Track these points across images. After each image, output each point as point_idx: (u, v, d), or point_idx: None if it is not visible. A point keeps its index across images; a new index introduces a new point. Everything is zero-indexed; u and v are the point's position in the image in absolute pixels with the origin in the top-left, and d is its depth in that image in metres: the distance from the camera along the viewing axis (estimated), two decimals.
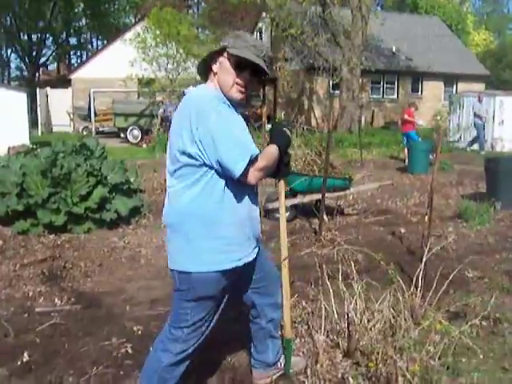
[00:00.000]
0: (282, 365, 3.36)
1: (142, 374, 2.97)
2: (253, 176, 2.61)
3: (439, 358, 3.40)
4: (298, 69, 27.79)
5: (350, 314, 3.62)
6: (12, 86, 35.93)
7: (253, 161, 2.56)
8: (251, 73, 2.75)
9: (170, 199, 2.76)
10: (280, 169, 2.87)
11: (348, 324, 3.57)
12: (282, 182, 3.12)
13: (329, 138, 6.98)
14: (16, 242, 6.77)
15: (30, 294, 5.03)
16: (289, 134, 2.91)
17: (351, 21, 23.41)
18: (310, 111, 27.73)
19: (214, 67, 2.76)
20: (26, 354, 3.76)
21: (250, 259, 2.87)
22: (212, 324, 2.90)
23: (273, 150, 2.77)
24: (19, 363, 3.67)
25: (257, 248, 2.95)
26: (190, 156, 2.59)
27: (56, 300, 4.87)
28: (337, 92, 25.68)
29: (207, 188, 2.63)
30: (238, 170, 2.52)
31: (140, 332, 4.13)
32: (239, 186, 2.69)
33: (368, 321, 3.70)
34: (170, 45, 21.62)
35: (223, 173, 2.59)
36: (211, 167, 2.59)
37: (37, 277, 5.50)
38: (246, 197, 2.78)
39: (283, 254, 3.25)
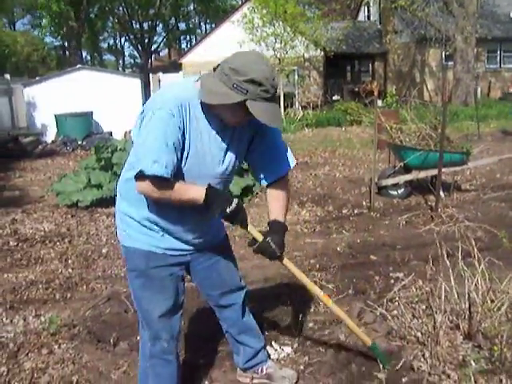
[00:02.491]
0: (265, 371, 3.19)
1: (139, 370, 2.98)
2: (139, 186, 2.41)
3: None
4: (408, 41, 26.91)
5: (471, 295, 3.45)
6: (126, 72, 37.30)
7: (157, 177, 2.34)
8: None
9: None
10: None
11: (469, 305, 3.40)
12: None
13: (444, 111, 6.68)
14: None
15: None
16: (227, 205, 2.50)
17: None
18: (422, 84, 26.76)
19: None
20: None
21: (176, 254, 2.71)
22: (161, 309, 2.72)
23: (190, 195, 2.47)
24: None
25: (192, 254, 2.79)
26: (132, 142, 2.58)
27: None
28: (450, 63, 24.61)
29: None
30: (134, 172, 2.39)
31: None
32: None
33: (491, 301, 3.50)
34: (276, 24, 21.52)
35: None
36: None
37: None
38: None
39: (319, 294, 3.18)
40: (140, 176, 2.35)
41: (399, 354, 3.33)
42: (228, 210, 2.48)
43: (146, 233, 2.64)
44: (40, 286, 4.96)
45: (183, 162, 2.48)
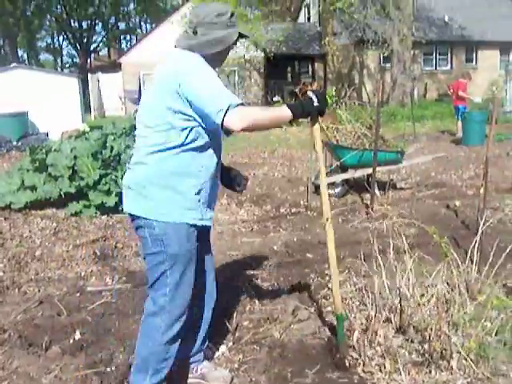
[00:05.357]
0: (200, 371, 3.20)
1: (136, 361, 2.90)
2: (236, 121, 2.51)
3: (496, 334, 3.29)
4: (347, 43, 27.32)
5: (401, 289, 3.53)
6: (64, 72, 36.56)
7: (239, 108, 2.52)
8: None
9: (143, 153, 2.74)
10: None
11: (400, 299, 3.48)
12: (316, 128, 3.03)
13: (377, 110, 6.82)
14: (69, 223, 6.90)
15: (83, 273, 5.13)
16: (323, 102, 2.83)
17: None
18: (361, 86, 27.25)
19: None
20: (77, 333, 3.84)
21: (207, 224, 2.89)
22: (191, 291, 2.84)
23: (282, 113, 2.71)
24: (71, 341, 3.74)
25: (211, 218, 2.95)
26: (173, 111, 2.62)
27: (107, 279, 4.95)
28: (388, 65, 25.17)
29: (181, 147, 2.67)
30: (217, 119, 2.51)
31: None
32: (210, 154, 2.78)
33: (421, 296, 3.59)
34: None
35: (206, 126, 2.66)
36: (193, 124, 2.65)
37: (89, 257, 5.60)
38: (214, 163, 2.82)
39: (325, 214, 3.22)
40: (229, 112, 2.47)
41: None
42: (315, 103, 2.80)
43: (190, 206, 2.74)
44: None
45: None
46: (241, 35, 2.83)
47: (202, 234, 2.91)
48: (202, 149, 2.72)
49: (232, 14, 2.77)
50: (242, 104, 2.53)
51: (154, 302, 2.81)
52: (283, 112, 2.69)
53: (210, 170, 2.79)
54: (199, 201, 2.77)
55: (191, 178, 2.71)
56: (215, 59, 2.80)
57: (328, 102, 2.87)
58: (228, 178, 3.12)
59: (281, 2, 31.74)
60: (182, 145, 2.65)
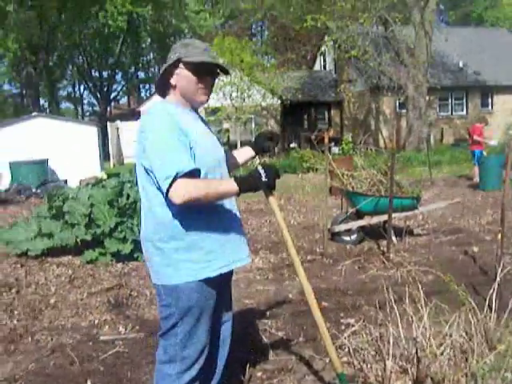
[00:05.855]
0: None
1: None
2: (176, 196, 2.47)
3: None
4: (363, 89, 27.59)
5: (418, 339, 3.45)
6: (83, 120, 37.20)
7: (185, 182, 2.47)
8: (212, 75, 2.78)
9: (143, 213, 2.77)
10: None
11: (416, 349, 3.40)
12: (272, 200, 2.85)
13: (392, 156, 6.82)
14: (84, 271, 6.90)
15: (96, 322, 5.09)
16: (269, 177, 2.66)
17: (414, 38, 23.11)
18: (377, 131, 27.38)
19: (172, 80, 2.75)
20: (89, 382, 3.79)
21: (238, 265, 2.84)
22: (207, 339, 2.79)
23: (227, 188, 2.62)
24: None
25: (246, 252, 2.89)
26: (145, 169, 2.62)
27: (120, 328, 4.90)
28: (403, 111, 25.32)
29: (168, 200, 2.59)
30: (164, 188, 2.49)
31: None
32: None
33: (439, 346, 3.51)
34: (233, 73, 21.89)
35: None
36: None
37: (103, 305, 5.57)
38: (214, 208, 2.72)
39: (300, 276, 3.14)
40: (174, 181, 2.44)
41: None
42: (263, 179, 2.64)
43: (200, 260, 2.65)
44: None
45: (198, 157, 2.60)
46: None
47: (225, 277, 2.82)
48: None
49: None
50: (191, 172, 2.48)
51: (164, 350, 2.78)
52: (229, 187, 2.61)
53: (213, 214, 2.71)
54: (209, 251, 2.69)
55: (190, 231, 2.64)
56: (186, 108, 2.77)
57: (277, 177, 2.69)
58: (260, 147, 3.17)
59: (297, 50, 32.24)
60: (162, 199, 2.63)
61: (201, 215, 2.65)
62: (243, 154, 3.22)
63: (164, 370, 2.77)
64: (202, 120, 2.92)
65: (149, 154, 2.56)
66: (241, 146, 21.97)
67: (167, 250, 2.65)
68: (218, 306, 2.87)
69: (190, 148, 2.59)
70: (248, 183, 2.63)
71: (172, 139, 2.53)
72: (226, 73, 2.90)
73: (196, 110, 2.86)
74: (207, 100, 2.79)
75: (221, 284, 2.81)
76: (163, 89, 2.81)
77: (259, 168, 2.65)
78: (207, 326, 2.78)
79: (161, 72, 2.78)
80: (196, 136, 2.64)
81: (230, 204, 2.81)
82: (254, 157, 3.23)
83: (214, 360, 3.05)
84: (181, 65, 2.71)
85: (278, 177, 2.70)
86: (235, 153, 3.27)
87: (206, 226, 2.67)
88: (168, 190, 2.47)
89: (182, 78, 2.72)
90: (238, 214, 2.90)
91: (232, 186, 2.60)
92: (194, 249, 2.64)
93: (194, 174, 2.52)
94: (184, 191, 2.46)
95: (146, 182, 2.67)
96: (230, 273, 2.91)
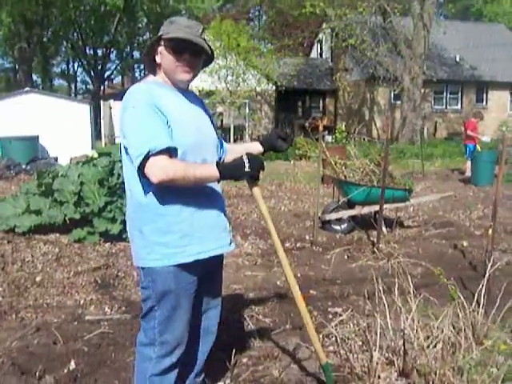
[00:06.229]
0: None
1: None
2: (151, 174, 2.42)
3: (503, 381, 3.17)
4: (358, 79, 27.51)
5: (405, 331, 3.43)
6: (76, 98, 36.92)
7: (162, 159, 2.42)
8: (192, 53, 2.64)
9: (126, 193, 2.73)
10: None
11: (404, 342, 3.38)
12: (256, 190, 2.78)
13: (386, 147, 6.77)
14: (72, 249, 6.84)
15: (82, 301, 5.05)
16: (256, 167, 2.58)
17: (413, 30, 23.03)
18: (371, 122, 27.35)
19: (157, 58, 2.69)
20: (72, 363, 3.76)
21: (217, 253, 2.76)
22: (186, 325, 2.75)
23: (207, 172, 2.53)
24: (66, 371, 3.66)
25: (227, 240, 2.82)
26: (124, 148, 2.58)
27: (106, 309, 4.87)
28: (398, 102, 25.29)
29: (144, 180, 2.54)
30: (135, 165, 2.44)
31: None
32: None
33: (426, 338, 3.49)
34: (229, 57, 21.74)
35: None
36: None
37: (89, 285, 5.53)
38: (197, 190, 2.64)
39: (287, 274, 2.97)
40: (149, 158, 2.39)
41: None
42: (247, 169, 2.53)
43: (173, 244, 2.58)
44: None
45: (175, 137, 2.51)
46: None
47: (209, 263, 2.74)
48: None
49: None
50: (167, 149, 2.43)
51: (144, 333, 2.75)
52: (210, 171, 2.52)
53: (191, 197, 2.62)
54: (184, 236, 2.61)
55: (166, 213, 2.58)
56: (168, 85, 2.69)
57: (261, 169, 2.60)
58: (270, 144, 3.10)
59: (294, 37, 32.03)
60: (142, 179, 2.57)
61: (178, 198, 2.57)
62: (250, 148, 3.07)
63: (145, 352, 2.75)
64: (197, 101, 2.84)
65: (125, 131, 2.52)
66: (234, 130, 21.86)
67: (145, 231, 2.60)
68: (202, 293, 2.83)
69: (168, 127, 2.52)
70: (230, 171, 2.55)
71: (148, 117, 2.47)
72: (207, 53, 2.72)
73: (188, 91, 2.78)
74: (189, 79, 2.69)
75: (204, 270, 2.75)
76: (152, 67, 2.75)
77: (244, 157, 2.55)
78: (187, 312, 2.73)
79: (145, 50, 2.72)
80: (176, 115, 2.55)
81: (211, 188, 2.73)
82: (263, 154, 3.12)
83: (197, 347, 3.01)
84: (162, 42, 2.65)
85: (263, 168, 2.60)
86: (242, 146, 3.21)
87: (182, 210, 2.59)
88: (141, 169, 2.43)
89: (164, 56, 2.65)
90: (220, 199, 2.83)
91: (213, 171, 2.51)
92: (168, 232, 2.58)
93: (170, 152, 2.46)
94: (159, 170, 2.41)
95: (125, 161, 2.62)
96: (218, 259, 2.86)
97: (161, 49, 2.65)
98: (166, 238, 2.58)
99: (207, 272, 2.79)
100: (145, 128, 2.45)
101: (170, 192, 2.53)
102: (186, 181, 2.47)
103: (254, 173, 2.57)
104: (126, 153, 2.56)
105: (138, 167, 2.43)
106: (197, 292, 2.75)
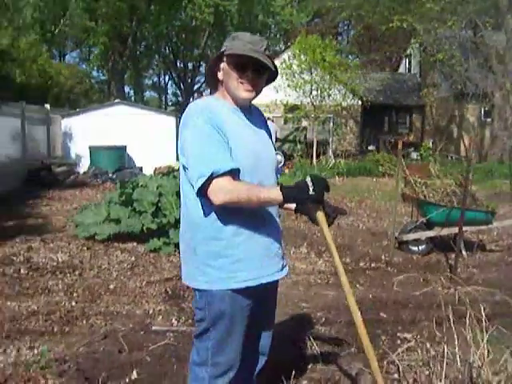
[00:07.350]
0: None
1: None
2: (214, 196, 2.37)
3: None
4: (447, 95, 26.78)
5: (474, 364, 3.26)
6: (163, 110, 37.88)
7: (226, 181, 2.37)
8: (254, 70, 2.55)
9: (181, 211, 2.71)
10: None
11: (471, 375, 3.21)
12: (320, 215, 2.56)
13: (468, 167, 6.53)
14: (147, 259, 7.00)
15: (150, 311, 5.15)
16: (321, 189, 2.43)
17: (505, 44, 22.20)
18: (459, 139, 26.50)
19: (219, 75, 2.62)
20: (134, 372, 3.83)
21: (267, 280, 2.65)
22: (240, 346, 2.67)
23: (271, 195, 2.43)
24: (127, 380, 3.72)
25: (279, 266, 2.73)
26: (183, 167, 2.54)
27: (173, 320, 4.93)
28: (488, 120, 24.40)
29: (202, 200, 2.49)
30: (195, 186, 2.39)
31: None
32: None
33: (494, 374, 3.30)
34: (314, 71, 21.68)
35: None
36: None
37: (159, 295, 5.62)
38: (254, 214, 2.56)
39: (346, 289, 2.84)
40: (212, 180, 2.36)
41: None
42: (311, 192, 2.40)
43: (226, 269, 2.54)
44: (40, 317, 4.92)
45: (241, 159, 2.48)
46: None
47: (263, 287, 2.66)
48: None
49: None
50: (230, 171, 2.37)
51: (197, 352, 2.73)
52: (273, 194, 2.42)
53: (247, 221, 2.56)
54: (236, 261, 2.55)
55: (220, 235, 2.53)
56: (227, 105, 2.62)
57: (326, 191, 2.45)
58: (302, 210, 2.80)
59: (381, 51, 31.68)
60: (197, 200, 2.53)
61: (235, 221, 2.52)
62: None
63: (196, 371, 2.73)
64: (258, 118, 2.78)
65: (185, 151, 2.50)
66: (317, 145, 21.75)
67: (199, 252, 2.58)
68: (255, 316, 2.76)
69: (231, 147, 2.47)
70: (293, 194, 2.42)
71: (209, 137, 2.43)
72: (272, 69, 2.59)
73: (250, 107, 2.72)
74: (251, 98, 2.62)
75: (258, 294, 2.68)
76: (213, 83, 2.71)
77: (307, 179, 2.43)
78: (241, 336, 2.67)
79: (207, 65, 2.70)
80: (234, 134, 2.51)
81: (268, 213, 2.66)
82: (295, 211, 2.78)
83: (249, 368, 2.96)
84: (224, 58, 2.59)
85: (328, 190, 2.48)
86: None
87: (238, 234, 2.54)
88: (201, 190, 2.39)
89: (226, 73, 2.59)
90: (276, 223, 2.74)
91: (276, 194, 2.41)
92: (222, 256, 2.53)
93: (233, 174, 2.41)
94: (223, 192, 2.37)
95: (183, 178, 2.60)
96: (272, 284, 2.75)
97: (223, 65, 2.60)
98: (218, 262, 2.54)
99: (261, 296, 2.73)
100: (207, 149, 2.41)
101: (227, 214, 2.50)
102: (249, 203, 2.43)
103: (318, 196, 2.44)
104: (184, 171, 2.55)
105: (199, 188, 2.39)
106: (251, 315, 2.70)
